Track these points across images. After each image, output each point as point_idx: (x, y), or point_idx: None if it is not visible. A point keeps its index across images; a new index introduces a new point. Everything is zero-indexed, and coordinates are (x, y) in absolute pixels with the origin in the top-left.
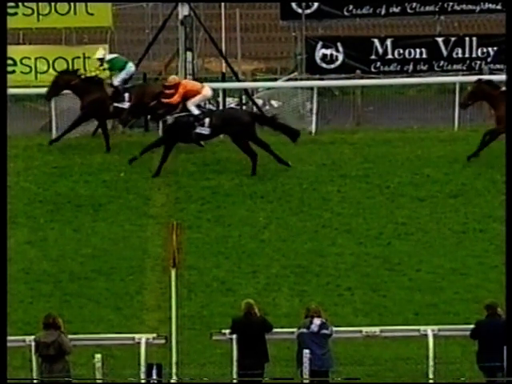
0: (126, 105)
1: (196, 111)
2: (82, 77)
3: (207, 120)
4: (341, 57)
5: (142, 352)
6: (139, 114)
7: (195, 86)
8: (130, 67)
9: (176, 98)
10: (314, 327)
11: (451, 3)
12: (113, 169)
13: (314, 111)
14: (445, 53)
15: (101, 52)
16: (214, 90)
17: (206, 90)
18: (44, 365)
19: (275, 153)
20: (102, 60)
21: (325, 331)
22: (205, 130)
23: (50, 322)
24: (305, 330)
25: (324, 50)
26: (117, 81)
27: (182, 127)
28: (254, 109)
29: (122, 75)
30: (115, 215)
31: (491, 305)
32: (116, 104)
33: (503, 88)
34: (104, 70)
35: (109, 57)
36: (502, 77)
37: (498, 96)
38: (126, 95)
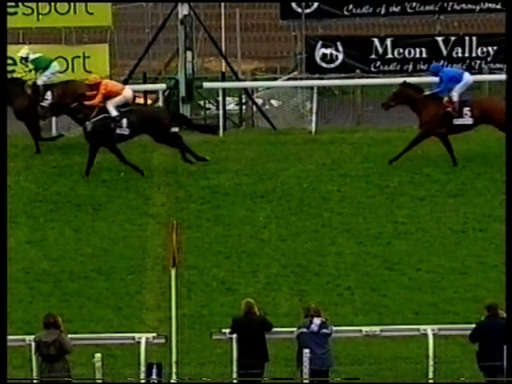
0: (47, 103)
1: (114, 112)
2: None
3: (125, 120)
4: (341, 56)
5: (141, 351)
6: (59, 112)
7: (116, 86)
8: (55, 66)
9: (97, 100)
10: (314, 327)
11: (451, 3)
12: (113, 169)
13: (314, 111)
14: (445, 52)
15: (24, 51)
16: (214, 90)
17: (127, 91)
18: (44, 364)
19: (191, 149)
20: (26, 59)
21: (325, 330)
22: (124, 131)
23: (50, 321)
24: (305, 330)
25: (324, 50)
26: (41, 80)
27: (102, 131)
28: (254, 108)
29: (47, 74)
30: (115, 215)
31: (492, 305)
32: (41, 104)
33: (427, 92)
34: (30, 70)
35: (32, 56)
36: (502, 76)
37: (420, 100)
38: (49, 93)
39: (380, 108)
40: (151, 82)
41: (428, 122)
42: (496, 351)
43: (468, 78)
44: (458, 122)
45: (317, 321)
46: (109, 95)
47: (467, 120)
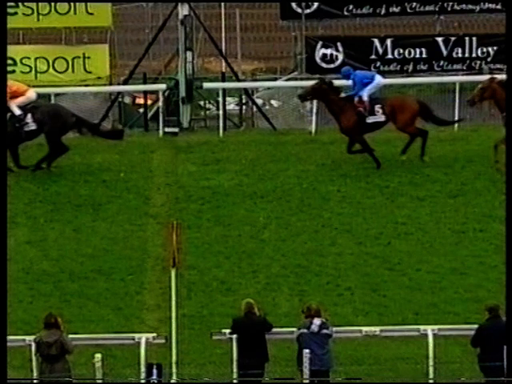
0: None
1: (18, 111)
2: None
3: (29, 116)
4: (341, 56)
5: (141, 352)
6: None
7: (21, 87)
8: None
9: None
10: (315, 327)
11: (451, 3)
12: (113, 169)
13: (314, 111)
14: (445, 52)
15: None
16: (214, 90)
17: (31, 92)
18: (45, 364)
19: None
20: None
21: (325, 331)
22: (31, 126)
23: (51, 321)
24: (305, 331)
25: (324, 50)
26: None
27: (8, 131)
28: (254, 109)
29: None
30: (115, 215)
31: (493, 307)
32: None
33: (343, 94)
34: None
35: None
36: (502, 76)
37: (335, 101)
38: None
39: None
40: (151, 82)
41: (350, 127)
42: (498, 353)
43: (379, 79)
44: (370, 120)
45: (317, 321)
46: (13, 95)
47: (379, 117)
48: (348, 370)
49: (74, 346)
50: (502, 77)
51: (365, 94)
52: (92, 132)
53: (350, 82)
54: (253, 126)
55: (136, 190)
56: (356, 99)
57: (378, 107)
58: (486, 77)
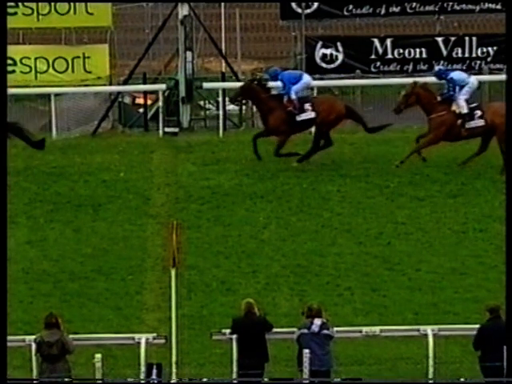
0: None
1: None
2: None
3: None
4: (341, 57)
5: (141, 352)
6: None
7: None
8: None
9: None
10: (315, 327)
11: (451, 3)
12: (113, 169)
13: None
14: (445, 52)
15: None
16: (214, 90)
17: None
18: (45, 364)
19: None
20: None
21: (325, 331)
22: None
23: (52, 321)
24: (305, 331)
25: (324, 50)
26: None
27: None
28: (254, 109)
29: None
30: (115, 215)
31: (494, 308)
32: None
33: (273, 92)
34: None
35: None
36: (502, 77)
37: (265, 100)
38: None
39: (380, 108)
40: (151, 82)
41: (277, 126)
42: (499, 354)
43: (307, 78)
44: (300, 117)
45: (317, 321)
46: None
47: (310, 114)
48: (348, 370)
49: (75, 345)
50: (426, 79)
51: (293, 93)
52: (13, 133)
53: (279, 84)
54: (253, 125)
55: (136, 190)
56: (285, 99)
57: (307, 105)
58: (486, 77)
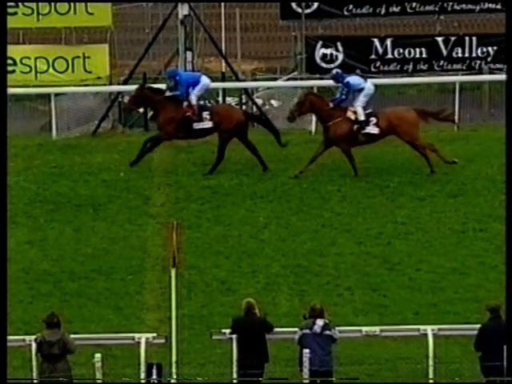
0: None
1: None
2: None
3: None
4: (341, 56)
5: (141, 352)
6: None
7: None
8: None
9: None
10: (317, 328)
11: (451, 3)
12: (113, 169)
13: None
14: (445, 52)
15: None
16: (214, 90)
17: None
18: (46, 364)
19: None
20: None
21: (327, 332)
22: None
23: (54, 321)
24: (307, 331)
25: (324, 50)
26: None
27: None
28: (254, 108)
29: None
30: (115, 215)
31: (495, 307)
32: None
33: (167, 93)
34: None
35: None
36: (502, 76)
37: (159, 101)
38: None
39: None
40: (151, 82)
41: (166, 124)
42: (500, 354)
43: (206, 80)
44: (198, 126)
45: (320, 322)
46: None
47: (206, 124)
48: (348, 370)
49: (76, 345)
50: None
51: (193, 98)
52: None
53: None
54: (253, 126)
55: (136, 189)
56: (185, 103)
57: (206, 114)
58: (486, 77)
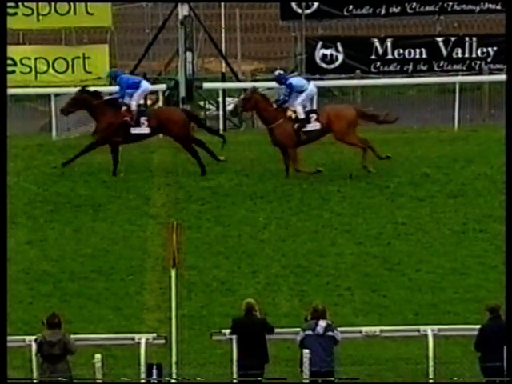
0: None
1: None
2: None
3: None
4: (341, 57)
5: (141, 352)
6: None
7: None
8: None
9: None
10: (320, 329)
11: (451, 3)
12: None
13: None
14: (445, 53)
15: None
16: (214, 91)
17: None
18: (46, 364)
19: None
20: None
21: (330, 333)
22: None
23: (55, 321)
24: (310, 332)
25: (324, 50)
26: None
27: None
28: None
29: None
30: (115, 215)
31: (494, 307)
32: None
33: (106, 97)
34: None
35: None
36: (502, 77)
37: (98, 106)
38: None
39: (380, 108)
40: (151, 82)
41: (104, 129)
42: (500, 354)
43: (146, 85)
44: (135, 130)
45: (322, 323)
46: None
47: (144, 129)
48: (348, 371)
49: (77, 346)
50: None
51: (133, 104)
52: None
53: (116, 88)
54: (253, 126)
55: (136, 190)
56: (124, 108)
57: (143, 119)
58: (486, 77)
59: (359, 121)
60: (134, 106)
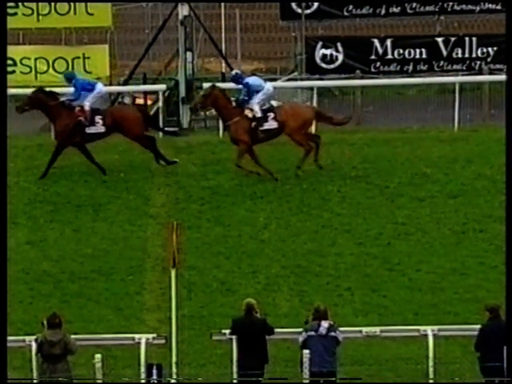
0: None
1: None
2: None
3: None
4: (341, 57)
5: (141, 352)
6: None
7: None
8: None
9: None
10: (323, 330)
11: (451, 3)
12: (113, 169)
13: None
14: (445, 53)
15: None
16: None
17: None
18: (46, 365)
19: None
20: None
21: (333, 334)
22: None
23: (56, 321)
24: (313, 333)
25: (324, 50)
26: None
27: None
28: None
29: None
30: (115, 215)
31: (494, 307)
32: None
33: (62, 99)
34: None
35: None
36: (502, 77)
37: (54, 107)
38: None
39: (380, 108)
40: (151, 82)
41: (60, 132)
42: (500, 354)
43: (100, 87)
44: (90, 130)
45: (325, 324)
46: None
47: (99, 128)
48: (348, 371)
49: (78, 346)
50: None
51: (86, 104)
52: None
53: (72, 89)
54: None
55: (136, 190)
56: (77, 108)
57: (98, 118)
58: (486, 77)
59: (315, 121)
60: (87, 106)
